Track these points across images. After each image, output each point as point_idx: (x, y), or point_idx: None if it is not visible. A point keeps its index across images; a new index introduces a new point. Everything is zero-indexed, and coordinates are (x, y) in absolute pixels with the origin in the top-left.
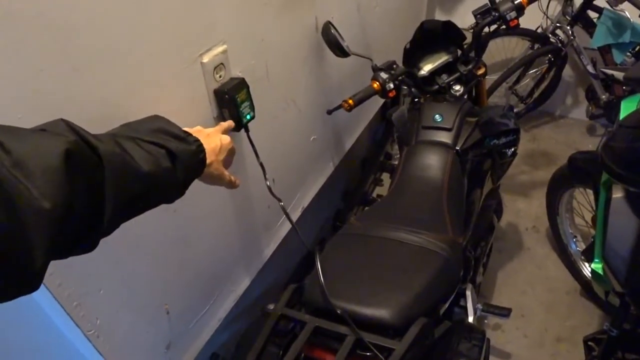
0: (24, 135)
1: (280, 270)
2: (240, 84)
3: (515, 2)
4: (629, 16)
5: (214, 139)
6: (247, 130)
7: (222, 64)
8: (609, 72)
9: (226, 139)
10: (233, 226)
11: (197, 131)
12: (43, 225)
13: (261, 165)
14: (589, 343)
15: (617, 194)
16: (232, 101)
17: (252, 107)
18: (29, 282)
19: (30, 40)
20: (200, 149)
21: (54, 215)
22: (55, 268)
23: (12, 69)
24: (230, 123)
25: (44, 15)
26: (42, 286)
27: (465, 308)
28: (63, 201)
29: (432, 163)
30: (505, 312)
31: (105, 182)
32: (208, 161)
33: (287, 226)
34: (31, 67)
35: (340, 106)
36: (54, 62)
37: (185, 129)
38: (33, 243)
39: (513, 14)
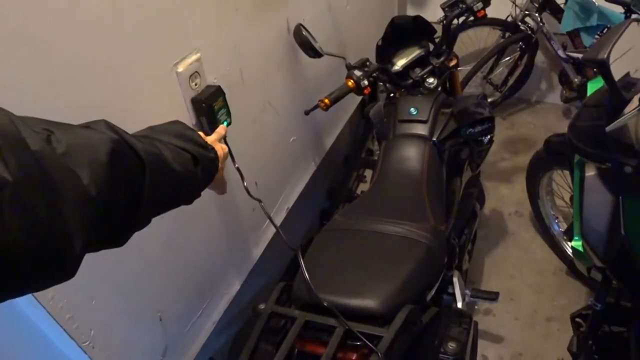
0: (74, 129)
1: (272, 270)
2: (217, 92)
3: None
4: (594, 0)
5: (217, 146)
6: (224, 137)
7: (197, 72)
8: (575, 55)
9: (224, 147)
10: (220, 230)
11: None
12: (85, 212)
13: (238, 169)
14: (577, 319)
15: (590, 172)
16: (209, 109)
17: (228, 114)
18: (67, 268)
19: (10, 54)
20: (216, 156)
21: (97, 205)
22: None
23: None
24: (224, 129)
25: (23, 29)
26: (34, 300)
27: (453, 295)
28: (106, 194)
29: (410, 155)
30: (493, 296)
31: (145, 179)
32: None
33: (273, 227)
34: (11, 80)
35: (317, 106)
36: (32, 76)
37: None
38: (73, 229)
39: (479, 5)
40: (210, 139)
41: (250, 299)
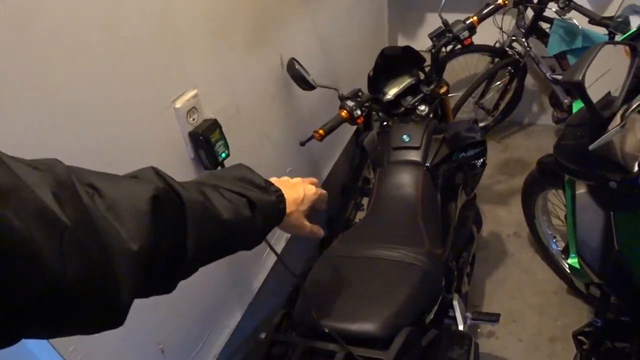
0: (118, 181)
1: (273, 300)
2: (213, 125)
3: (467, 22)
4: (577, 23)
5: (297, 189)
6: (223, 168)
7: (194, 107)
8: (558, 77)
9: (311, 189)
10: (220, 261)
11: (282, 181)
12: (130, 266)
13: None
14: (579, 337)
15: (580, 189)
16: (206, 142)
17: (226, 146)
18: (115, 319)
19: (14, 101)
20: (280, 199)
21: (140, 258)
22: None
23: None
24: (314, 179)
25: (26, 76)
26: None
27: (454, 318)
28: (149, 244)
29: (405, 181)
30: (494, 318)
31: (188, 227)
32: (288, 211)
33: (274, 257)
34: (17, 125)
35: (312, 137)
36: (36, 120)
37: (273, 179)
38: (121, 283)
39: (466, 33)
40: (294, 181)
41: (252, 330)
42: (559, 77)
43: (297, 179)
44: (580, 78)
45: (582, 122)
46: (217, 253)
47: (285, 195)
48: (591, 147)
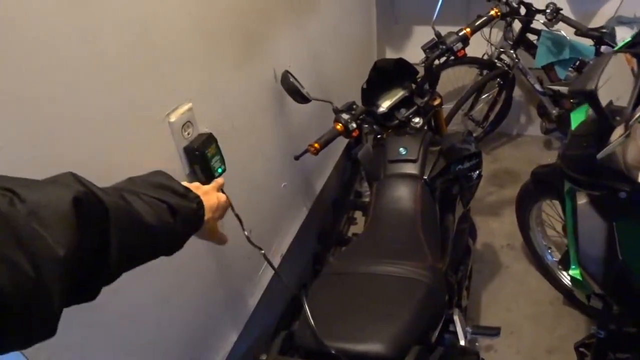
0: (36, 186)
1: (267, 319)
2: (209, 139)
3: (460, 34)
4: (565, 35)
5: (211, 196)
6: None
7: (189, 121)
8: (555, 88)
9: (222, 197)
10: (213, 280)
11: (195, 187)
12: (59, 272)
13: (237, 216)
14: (580, 349)
15: (582, 200)
16: (202, 156)
17: (222, 161)
18: (48, 328)
19: (2, 115)
20: (200, 205)
21: (66, 263)
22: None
23: None
24: (222, 179)
25: (4, 92)
26: None
27: (455, 333)
28: (74, 248)
29: (403, 195)
30: (495, 332)
31: (111, 231)
32: (205, 218)
33: (269, 274)
34: (4, 139)
35: (306, 151)
36: (26, 134)
37: (185, 183)
38: (51, 290)
39: (459, 45)
40: (205, 188)
41: (246, 349)
42: (558, 87)
43: (208, 186)
44: (593, 87)
45: (588, 132)
46: (139, 258)
47: (203, 202)
48: (599, 155)
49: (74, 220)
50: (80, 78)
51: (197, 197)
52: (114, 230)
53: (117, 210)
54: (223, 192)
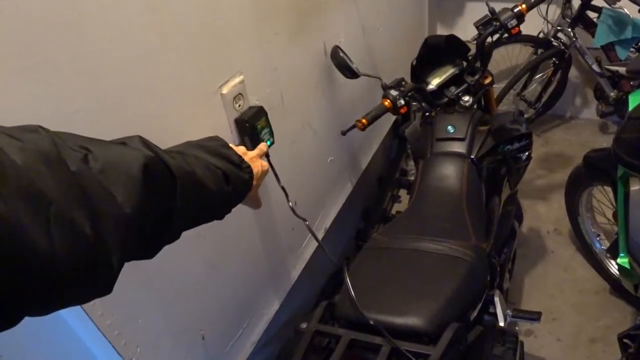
0: (109, 146)
1: (308, 291)
2: (259, 112)
3: (515, 10)
4: (628, 13)
5: (256, 163)
6: (267, 156)
7: (240, 94)
8: (614, 68)
9: (265, 164)
10: (259, 250)
11: (242, 152)
12: (122, 230)
13: (283, 188)
14: (624, 340)
15: (635, 186)
16: (252, 129)
17: (271, 134)
18: (106, 284)
19: (67, 85)
20: (250, 175)
21: (131, 222)
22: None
23: (51, 112)
24: (265, 146)
25: (77, 61)
26: (83, 315)
27: (495, 315)
28: (140, 209)
29: (449, 173)
30: (535, 316)
31: (177, 197)
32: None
33: (312, 247)
34: (68, 108)
35: (354, 126)
36: (86, 103)
37: (231, 145)
38: (112, 247)
39: (514, 22)
40: (251, 155)
41: (286, 319)
42: (617, 67)
43: (253, 152)
44: None
45: None
46: (197, 221)
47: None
48: None
49: (142, 183)
50: (146, 48)
51: (249, 167)
52: (180, 194)
53: (183, 175)
54: (268, 158)
